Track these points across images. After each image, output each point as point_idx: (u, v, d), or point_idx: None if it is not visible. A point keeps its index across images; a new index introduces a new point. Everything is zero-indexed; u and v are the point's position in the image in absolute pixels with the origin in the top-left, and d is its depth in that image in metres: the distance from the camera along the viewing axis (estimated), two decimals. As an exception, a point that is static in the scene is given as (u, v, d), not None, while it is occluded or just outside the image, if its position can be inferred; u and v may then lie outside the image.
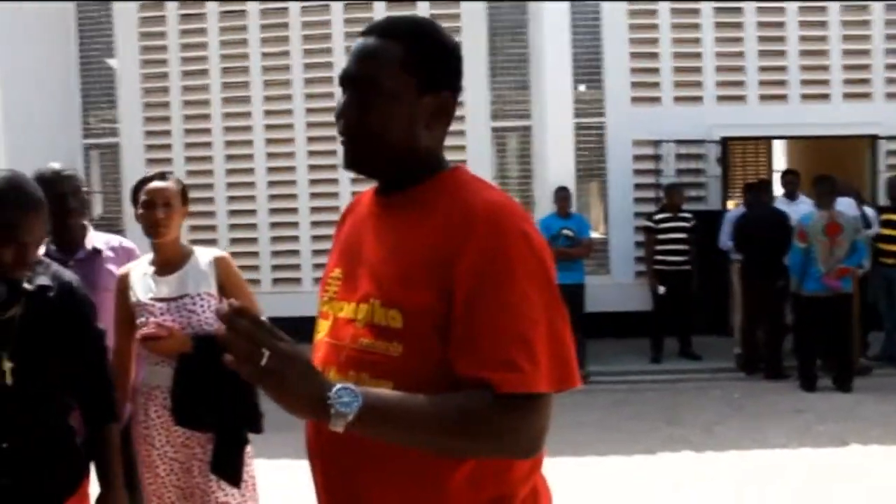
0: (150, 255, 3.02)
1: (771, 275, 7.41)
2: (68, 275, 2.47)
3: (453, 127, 7.07)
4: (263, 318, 1.20)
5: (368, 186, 1.56)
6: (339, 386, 1.19)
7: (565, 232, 7.69)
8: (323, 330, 1.48)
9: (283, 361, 1.16)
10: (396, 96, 1.38)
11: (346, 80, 1.42)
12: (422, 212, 1.39)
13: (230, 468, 2.84)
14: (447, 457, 1.30)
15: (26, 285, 2.31)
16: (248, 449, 2.92)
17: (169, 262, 2.95)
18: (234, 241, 9.45)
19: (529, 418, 1.27)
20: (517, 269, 1.30)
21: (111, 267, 3.22)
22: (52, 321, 2.34)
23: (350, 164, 1.45)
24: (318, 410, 1.18)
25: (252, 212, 9.49)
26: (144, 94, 9.61)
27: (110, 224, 8.90)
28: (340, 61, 9.30)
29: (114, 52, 9.69)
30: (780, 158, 14.03)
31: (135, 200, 2.99)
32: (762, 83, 9.24)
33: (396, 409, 1.24)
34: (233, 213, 9.57)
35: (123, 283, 2.95)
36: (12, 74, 8.49)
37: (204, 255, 2.99)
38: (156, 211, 2.89)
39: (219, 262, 2.98)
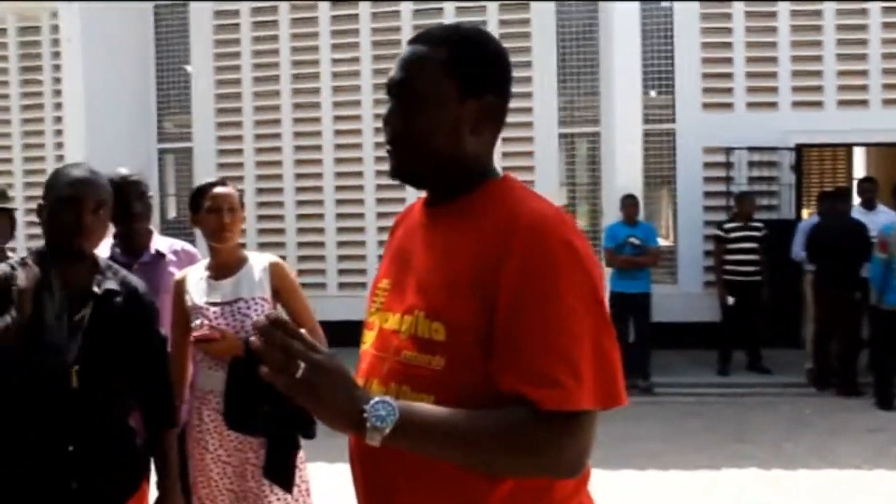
0: (206, 261, 3.07)
1: (846, 286, 7.16)
2: (135, 280, 2.54)
3: (522, 133, 7.18)
4: (304, 330, 1.22)
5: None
6: (375, 399, 1.19)
7: (632, 240, 7.58)
8: (368, 340, 1.48)
9: (318, 373, 1.17)
10: (439, 101, 1.38)
11: (391, 86, 1.42)
12: (468, 222, 1.37)
13: (283, 473, 2.86)
14: (486, 474, 1.27)
15: (95, 289, 2.37)
16: (301, 454, 2.94)
17: (226, 266, 3.00)
18: (302, 244, 9.61)
19: (572, 436, 1.24)
20: (561, 281, 1.26)
21: (174, 270, 3.29)
22: (118, 326, 2.40)
23: (395, 172, 1.44)
24: (355, 424, 1.19)
25: (320, 216, 9.61)
26: (217, 99, 9.83)
27: (183, 227, 9.12)
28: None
29: (189, 58, 9.95)
30: (859, 166, 13.54)
31: (194, 205, 3.05)
32: (841, 88, 8.94)
33: (434, 424, 1.23)
34: (301, 216, 9.71)
35: (180, 288, 3.01)
36: (94, 80, 8.81)
37: (259, 261, 3.03)
38: (222, 216, 2.94)
39: (273, 268, 3.01)
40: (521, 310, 1.25)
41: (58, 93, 9.57)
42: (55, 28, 9.43)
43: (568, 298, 1.25)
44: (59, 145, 9.65)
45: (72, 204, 2.25)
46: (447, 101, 1.38)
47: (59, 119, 9.65)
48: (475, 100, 1.39)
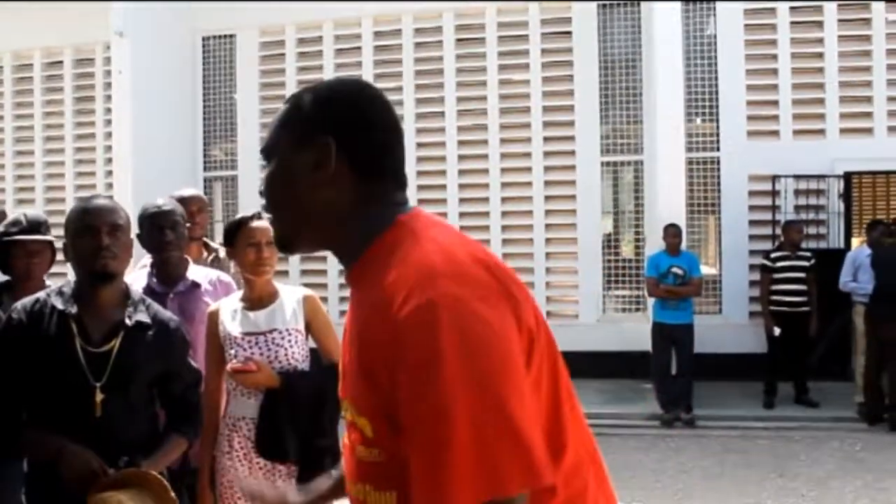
0: (240, 292, 3.10)
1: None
2: (167, 314, 2.58)
3: (565, 161, 7.15)
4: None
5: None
6: None
7: (674, 270, 7.49)
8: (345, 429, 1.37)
9: None
10: (279, 159, 1.31)
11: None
12: (362, 294, 1.24)
13: (312, 503, 2.87)
14: None
15: (126, 321, 2.42)
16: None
17: (261, 298, 3.03)
18: (343, 271, 9.64)
19: None
20: (434, 372, 1.06)
21: (209, 300, 3.33)
22: (148, 358, 2.44)
23: (278, 246, 1.37)
24: None
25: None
26: (262, 127, 9.99)
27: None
28: (449, 94, 9.46)
29: (235, 87, 10.15)
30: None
31: (230, 239, 3.08)
32: (891, 114, 8.75)
33: None
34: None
35: (213, 320, 3.04)
36: (142, 111, 9.04)
37: (293, 294, 3.07)
38: (261, 249, 2.97)
39: (307, 301, 3.05)
40: (401, 404, 1.10)
41: (108, 122, 9.85)
42: (107, 60, 9.70)
43: (443, 389, 1.06)
44: (109, 173, 9.90)
45: (87, 230, 2.34)
46: (284, 154, 1.30)
47: (109, 148, 9.91)
48: (308, 146, 1.26)
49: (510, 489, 1.05)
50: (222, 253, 3.91)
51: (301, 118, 1.30)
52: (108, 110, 9.83)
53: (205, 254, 4.10)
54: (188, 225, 3.51)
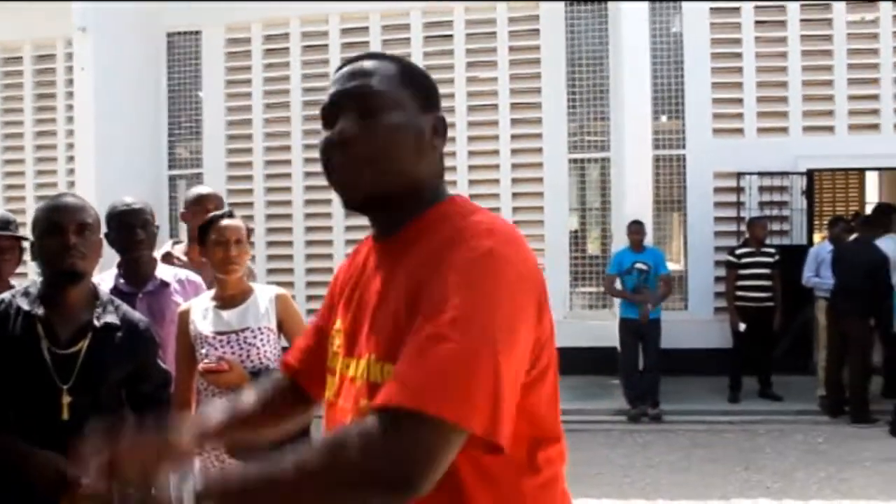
0: (212, 291, 3.08)
1: (860, 313, 7.08)
2: (137, 315, 2.55)
3: (532, 159, 7.17)
4: None
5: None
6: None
7: (638, 266, 7.56)
8: (331, 388, 1.39)
9: None
10: (403, 109, 1.29)
11: (346, 97, 1.30)
12: (413, 249, 1.27)
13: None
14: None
15: (94, 322, 2.38)
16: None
17: (233, 297, 3.01)
18: (311, 270, 9.62)
19: (397, 436, 1.07)
20: (463, 290, 1.13)
21: (178, 299, 3.30)
22: (117, 360, 2.40)
23: (356, 195, 1.30)
24: None
25: (329, 242, 9.63)
26: (228, 125, 9.91)
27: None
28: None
29: (200, 85, 10.05)
30: (871, 190, 13.48)
31: (202, 238, 3.05)
32: (852, 112, 8.91)
33: (251, 481, 1.11)
34: (310, 243, 9.73)
35: (185, 318, 3.02)
36: (105, 108, 8.88)
37: (265, 292, 3.06)
38: (229, 248, 2.95)
39: (280, 300, 3.05)
40: (424, 297, 1.16)
41: (70, 120, 9.66)
42: (69, 56, 9.54)
43: (465, 297, 1.12)
44: (71, 171, 9.73)
45: (55, 228, 2.30)
46: (410, 110, 1.30)
47: (70, 146, 9.73)
48: (430, 114, 1.33)
49: (471, 424, 1.08)
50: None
51: (423, 86, 1.35)
52: (70, 107, 9.63)
53: None
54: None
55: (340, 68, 1.35)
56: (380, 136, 1.27)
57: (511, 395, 1.13)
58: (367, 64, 1.32)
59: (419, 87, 1.34)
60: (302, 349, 1.61)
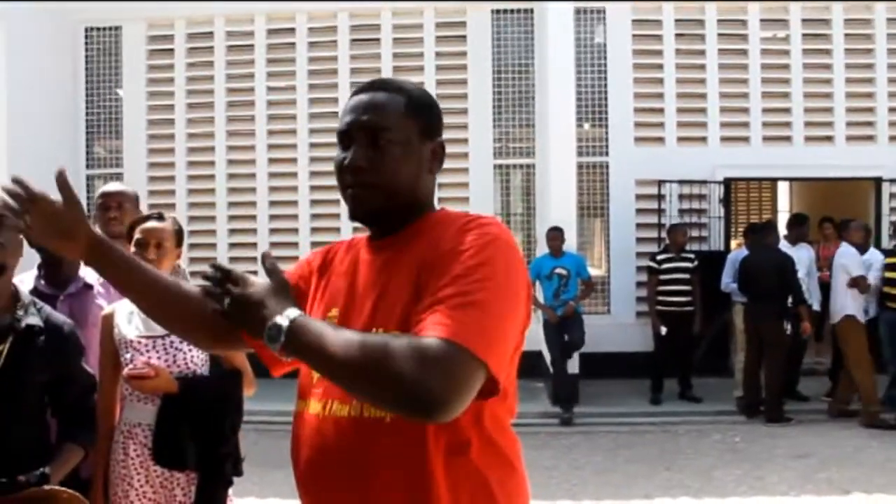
0: (137, 293, 2.98)
1: (774, 317, 7.34)
2: (61, 318, 2.46)
3: (458, 164, 7.23)
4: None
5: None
6: (275, 318, 1.34)
7: (558, 271, 7.70)
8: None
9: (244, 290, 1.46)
10: (409, 142, 1.51)
11: (358, 129, 1.50)
12: (413, 242, 1.48)
13: (213, 510, 2.79)
14: (374, 392, 1.29)
15: (16, 324, 2.29)
16: (230, 490, 2.87)
17: (159, 300, 2.92)
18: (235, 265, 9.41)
19: (440, 366, 1.24)
20: (480, 254, 1.36)
21: (102, 302, 3.19)
22: (39, 364, 2.32)
23: (364, 213, 1.52)
24: (261, 336, 1.36)
25: (253, 245, 9.48)
26: (149, 124, 9.66)
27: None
28: (343, 94, 9.37)
29: (120, 82, 9.77)
30: (783, 199, 14.03)
31: (129, 238, 2.97)
32: (766, 125, 9.26)
33: (324, 338, 1.29)
34: (234, 245, 9.57)
35: (108, 323, 2.92)
36: (18, 103, 8.54)
37: (193, 294, 2.97)
38: (147, 251, 2.88)
39: None
40: (441, 269, 1.36)
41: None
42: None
43: (483, 267, 1.34)
44: (-19, 169, 9.31)
45: None
46: (414, 141, 1.52)
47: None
48: (430, 142, 1.56)
49: (499, 374, 1.32)
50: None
51: (427, 116, 1.56)
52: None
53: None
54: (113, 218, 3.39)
55: (356, 94, 1.55)
56: (386, 166, 1.48)
57: (513, 358, 1.41)
58: (380, 97, 1.52)
59: (424, 118, 1.55)
60: None
